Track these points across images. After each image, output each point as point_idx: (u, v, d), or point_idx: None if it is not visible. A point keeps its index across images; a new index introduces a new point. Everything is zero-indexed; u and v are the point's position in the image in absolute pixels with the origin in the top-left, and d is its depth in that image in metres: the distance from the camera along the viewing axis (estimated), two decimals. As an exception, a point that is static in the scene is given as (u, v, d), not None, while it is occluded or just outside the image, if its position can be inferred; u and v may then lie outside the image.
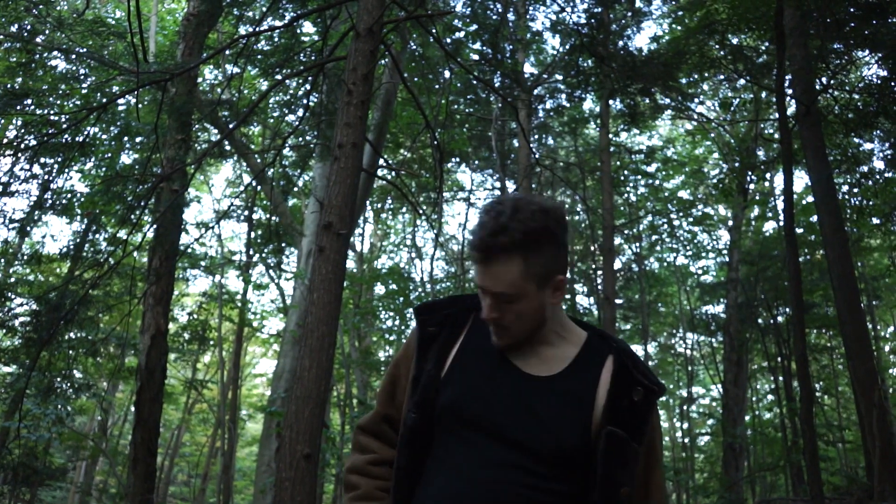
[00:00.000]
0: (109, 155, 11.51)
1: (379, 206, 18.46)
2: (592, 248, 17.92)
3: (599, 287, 16.21)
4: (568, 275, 1.57)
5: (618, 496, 1.37)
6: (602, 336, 1.56)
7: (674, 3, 13.27)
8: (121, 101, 9.46)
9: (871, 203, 10.92)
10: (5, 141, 11.30)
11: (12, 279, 11.74)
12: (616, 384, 1.44)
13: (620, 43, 11.47)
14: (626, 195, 17.23)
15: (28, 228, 11.25)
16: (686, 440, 20.50)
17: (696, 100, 14.57)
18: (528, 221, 1.39)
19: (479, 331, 1.54)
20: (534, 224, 1.39)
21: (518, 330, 1.47)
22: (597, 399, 1.44)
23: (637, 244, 18.00)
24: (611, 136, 14.92)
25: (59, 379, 10.26)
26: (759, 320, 14.60)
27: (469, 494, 1.36)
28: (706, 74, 12.87)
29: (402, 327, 15.89)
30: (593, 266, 18.32)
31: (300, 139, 10.09)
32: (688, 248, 18.43)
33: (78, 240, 10.91)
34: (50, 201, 10.58)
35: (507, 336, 1.48)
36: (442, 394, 1.46)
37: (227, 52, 9.78)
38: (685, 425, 20.51)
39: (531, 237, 1.39)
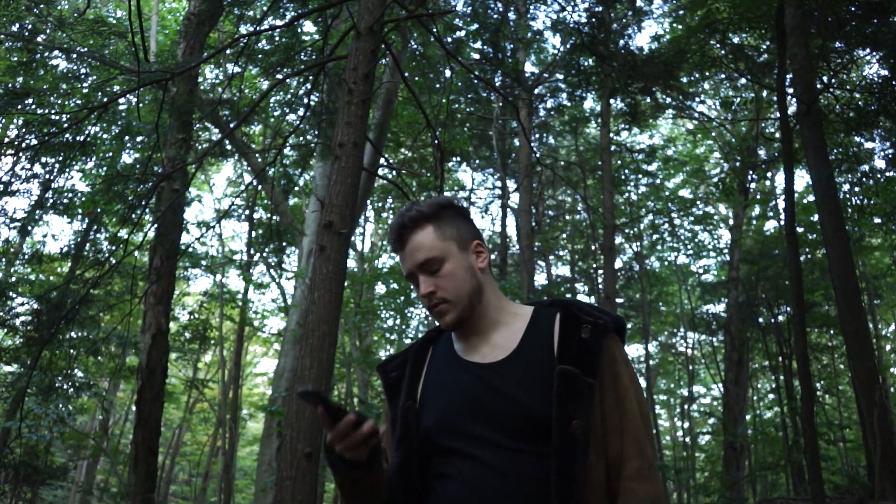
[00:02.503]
0: (110, 154, 11.53)
1: (380, 205, 18.46)
2: (593, 247, 17.92)
3: (600, 286, 16.22)
4: (489, 247, 1.67)
5: (570, 430, 1.36)
6: (552, 303, 1.60)
7: (674, 2, 13.27)
8: (122, 100, 9.48)
9: (872, 202, 10.91)
10: (6, 140, 11.31)
11: (13, 278, 11.74)
12: (564, 328, 1.49)
13: (621, 42, 11.46)
14: (626, 194, 17.22)
15: (29, 228, 11.27)
16: (687, 439, 20.51)
17: (697, 99, 14.56)
18: (430, 202, 1.58)
19: (440, 351, 1.61)
20: (435, 202, 1.59)
21: (457, 297, 1.52)
22: (553, 357, 1.46)
23: (638, 243, 18.00)
24: (611, 135, 14.92)
25: (60, 378, 10.27)
26: (760, 319, 14.60)
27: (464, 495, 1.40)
28: (707, 73, 12.86)
29: (403, 327, 15.91)
30: (594, 265, 18.32)
31: (301, 138, 10.09)
32: (688, 247, 18.42)
33: (79, 239, 10.92)
34: (51, 201, 10.60)
35: (452, 308, 1.52)
36: (421, 420, 1.51)
37: (228, 51, 9.77)
38: (686, 424, 20.53)
39: (434, 209, 1.57)
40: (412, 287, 1.59)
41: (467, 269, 1.55)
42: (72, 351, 10.28)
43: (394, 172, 12.18)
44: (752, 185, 15.88)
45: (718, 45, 11.40)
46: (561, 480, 1.35)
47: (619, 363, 1.48)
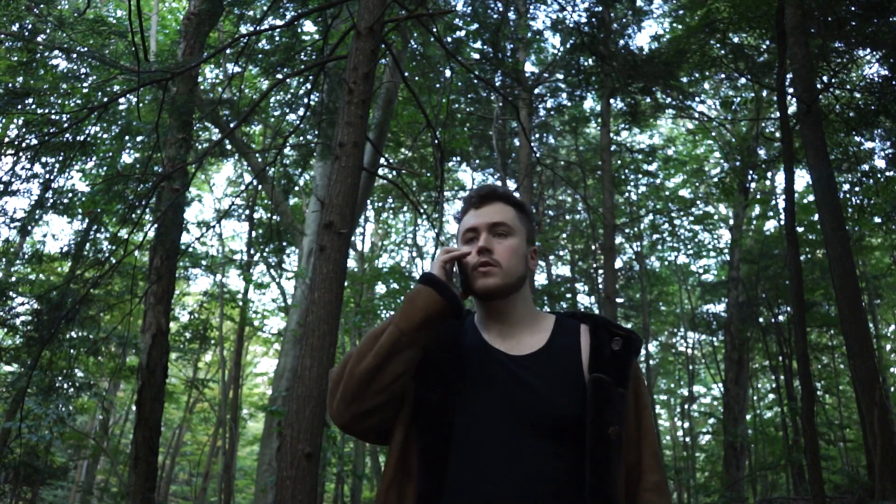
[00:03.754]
0: (110, 154, 11.53)
1: (380, 205, 18.46)
2: (593, 247, 17.92)
3: (600, 286, 16.21)
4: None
5: (606, 435, 1.42)
6: (572, 314, 1.68)
7: (675, 2, 13.26)
8: (122, 100, 9.48)
9: (872, 202, 10.91)
10: (6, 140, 11.32)
11: (13, 278, 11.74)
12: (595, 338, 1.57)
13: (621, 42, 11.46)
14: (626, 194, 17.22)
15: (29, 227, 11.27)
16: (687, 439, 20.51)
17: (697, 99, 14.55)
18: (515, 196, 1.70)
19: (470, 336, 1.63)
20: (518, 199, 1.70)
21: (507, 268, 1.57)
22: (582, 362, 1.53)
23: (638, 243, 17.99)
24: (612, 134, 14.92)
25: (60, 378, 10.27)
26: (760, 319, 14.59)
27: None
28: (707, 73, 12.85)
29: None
30: (594, 265, 18.31)
31: (301, 138, 10.08)
32: (689, 246, 18.41)
33: (79, 239, 10.91)
34: (51, 200, 10.60)
35: (498, 274, 1.56)
36: (455, 411, 1.50)
37: (228, 51, 9.78)
38: (686, 424, 20.52)
39: (518, 204, 1.69)
40: (463, 243, 1.63)
41: (523, 255, 1.63)
42: (72, 351, 10.28)
43: (394, 172, 12.18)
44: (752, 185, 15.88)
45: (718, 45, 11.39)
46: (597, 483, 1.39)
47: (640, 379, 1.59)
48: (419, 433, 1.48)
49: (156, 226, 7.55)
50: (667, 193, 18.12)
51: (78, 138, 7.90)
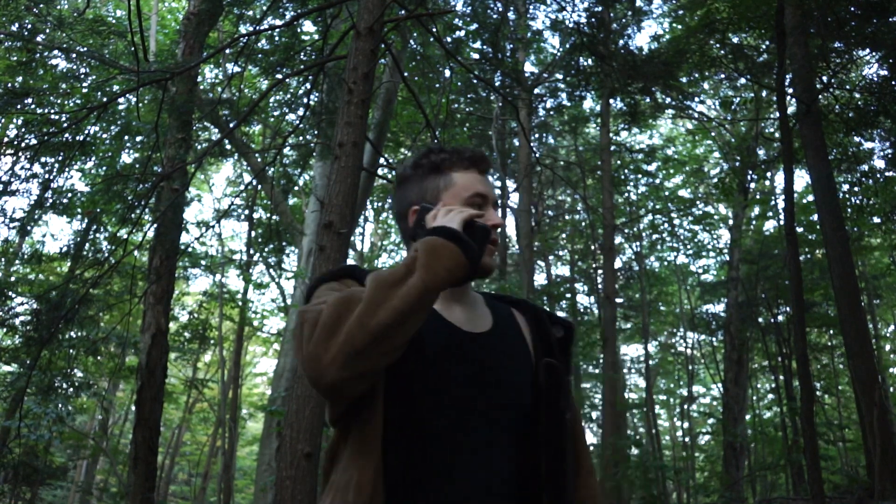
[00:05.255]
0: (110, 154, 11.53)
1: (380, 205, 18.46)
2: (593, 247, 17.92)
3: (600, 286, 16.20)
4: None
5: (564, 422, 1.40)
6: (497, 297, 1.62)
7: (674, 2, 13.27)
8: (121, 100, 9.47)
9: (871, 202, 10.91)
10: (6, 140, 11.31)
11: (13, 278, 11.74)
12: (537, 324, 1.52)
13: (621, 42, 11.46)
14: (626, 194, 17.23)
15: (29, 227, 11.27)
16: (687, 439, 20.51)
17: (697, 99, 14.56)
18: None
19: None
20: None
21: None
22: (528, 346, 1.49)
23: (637, 243, 18.00)
24: (611, 135, 14.92)
25: (59, 378, 10.26)
26: (760, 319, 14.59)
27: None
28: (707, 73, 12.85)
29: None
30: (594, 265, 18.32)
31: (301, 138, 10.09)
32: (688, 247, 18.42)
33: (78, 239, 10.91)
34: (50, 200, 10.59)
35: (494, 255, 1.49)
36: (423, 392, 1.36)
37: (228, 51, 9.77)
38: (686, 424, 20.53)
39: None
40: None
41: None
42: (71, 351, 10.28)
43: (394, 172, 12.14)
44: (752, 185, 15.89)
45: (718, 45, 11.40)
46: (555, 472, 1.35)
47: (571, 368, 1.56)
48: (386, 408, 1.30)
49: (155, 226, 7.55)
50: (666, 193, 18.13)
51: (77, 138, 7.91)
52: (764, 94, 13.90)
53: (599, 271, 17.05)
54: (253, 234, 15.68)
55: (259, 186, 12.89)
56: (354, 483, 1.24)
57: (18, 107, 8.62)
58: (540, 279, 18.06)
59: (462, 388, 1.34)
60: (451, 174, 1.49)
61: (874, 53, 10.25)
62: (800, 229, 12.33)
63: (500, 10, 11.94)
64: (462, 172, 1.49)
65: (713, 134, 16.77)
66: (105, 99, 7.84)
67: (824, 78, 9.47)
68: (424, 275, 1.22)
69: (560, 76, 13.95)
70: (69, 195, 11.12)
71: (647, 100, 12.75)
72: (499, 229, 1.45)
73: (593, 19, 10.61)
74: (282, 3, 8.83)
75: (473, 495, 1.28)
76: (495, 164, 15.51)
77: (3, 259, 11.71)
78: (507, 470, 1.32)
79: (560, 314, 1.66)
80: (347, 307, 1.20)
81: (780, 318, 13.85)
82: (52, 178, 9.84)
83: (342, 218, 4.09)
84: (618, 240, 16.96)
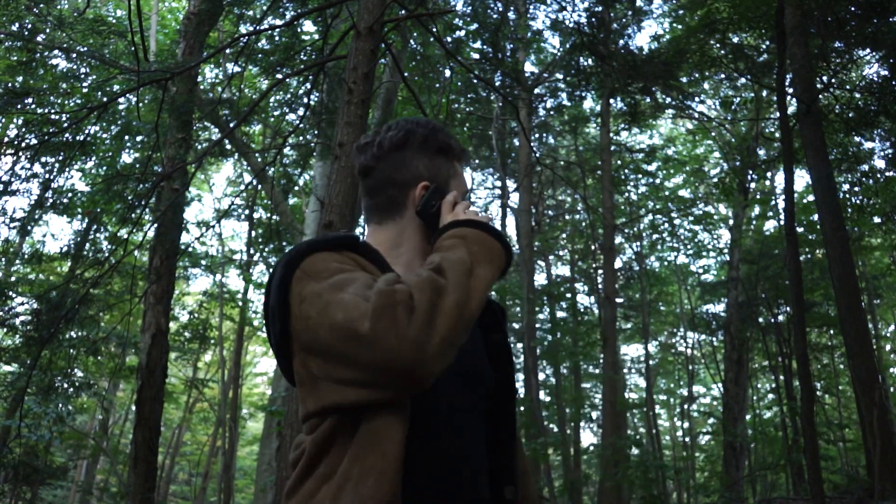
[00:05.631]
0: (110, 154, 11.54)
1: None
2: (593, 247, 17.93)
3: (600, 286, 16.21)
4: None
5: (514, 402, 1.38)
6: None
7: (674, 2, 13.27)
8: (121, 99, 9.48)
9: (871, 202, 10.91)
10: (6, 140, 11.31)
11: (13, 278, 11.74)
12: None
13: (621, 42, 11.46)
14: (626, 194, 17.22)
15: (29, 227, 11.27)
16: (687, 439, 20.51)
17: (697, 99, 14.55)
18: None
19: None
20: None
21: None
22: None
23: (638, 243, 18.00)
24: (611, 134, 14.93)
25: (59, 378, 10.27)
26: (760, 319, 14.59)
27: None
28: (707, 73, 12.85)
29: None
30: (594, 265, 18.32)
31: (301, 138, 10.09)
32: (688, 246, 18.42)
33: (79, 239, 10.92)
34: (51, 200, 10.60)
35: None
36: None
37: (228, 50, 9.77)
38: (686, 424, 20.52)
39: None
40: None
41: None
42: (71, 351, 10.28)
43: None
44: (752, 185, 15.88)
45: (718, 45, 11.40)
46: (509, 454, 1.32)
47: None
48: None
49: (155, 226, 7.55)
50: (666, 193, 18.13)
51: (78, 138, 7.91)
52: (764, 94, 13.90)
53: (599, 271, 17.06)
54: (253, 233, 15.69)
55: (259, 186, 12.89)
56: (378, 470, 1.12)
57: (19, 107, 8.63)
58: (540, 279, 18.08)
59: (454, 378, 1.30)
60: (455, 164, 1.48)
61: (874, 53, 10.24)
62: (800, 229, 12.33)
63: (500, 10, 11.94)
64: (459, 164, 1.50)
65: (713, 134, 16.76)
66: (105, 99, 7.84)
67: (824, 78, 9.47)
68: (490, 268, 1.21)
69: (560, 76, 13.96)
70: (69, 195, 11.12)
71: (647, 100, 12.75)
72: None
73: (593, 19, 10.62)
74: (282, 3, 8.83)
75: (481, 483, 1.26)
76: (495, 163, 15.53)
77: (3, 259, 11.71)
78: (485, 464, 1.29)
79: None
80: (439, 293, 1.13)
81: (780, 318, 13.85)
82: (52, 177, 9.85)
83: (342, 218, 4.10)
84: (618, 240, 16.96)
